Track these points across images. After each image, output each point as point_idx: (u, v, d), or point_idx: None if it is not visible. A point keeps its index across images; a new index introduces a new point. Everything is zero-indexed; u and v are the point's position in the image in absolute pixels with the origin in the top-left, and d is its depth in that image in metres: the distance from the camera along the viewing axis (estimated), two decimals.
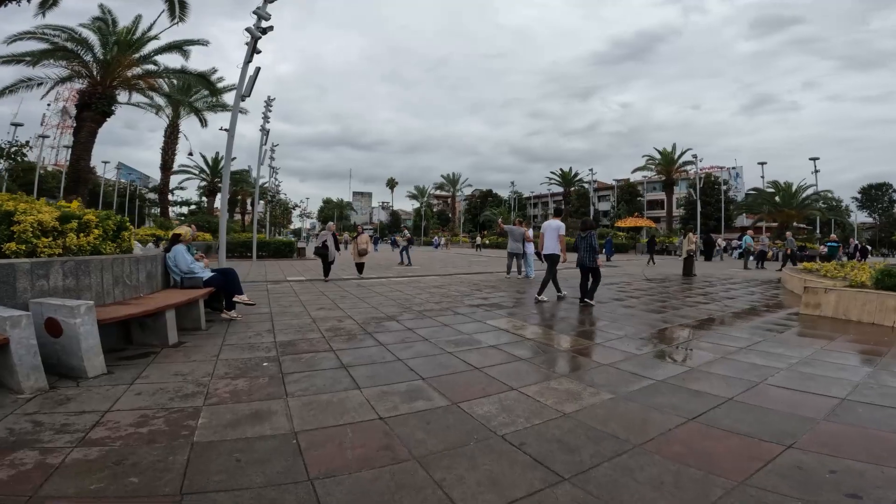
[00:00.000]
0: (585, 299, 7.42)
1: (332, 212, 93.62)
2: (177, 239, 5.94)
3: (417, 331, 5.37)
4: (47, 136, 34.91)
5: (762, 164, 40.81)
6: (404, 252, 17.96)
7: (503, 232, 13.17)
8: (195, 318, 5.26)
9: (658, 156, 43.73)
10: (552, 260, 8.11)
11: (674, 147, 43.31)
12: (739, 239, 25.73)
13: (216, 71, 24.83)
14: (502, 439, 2.49)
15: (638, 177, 62.93)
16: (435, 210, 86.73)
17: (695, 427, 2.67)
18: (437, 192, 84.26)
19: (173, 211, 46.36)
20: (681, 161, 43.04)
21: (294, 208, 52.25)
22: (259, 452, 2.29)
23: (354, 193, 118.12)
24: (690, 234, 13.71)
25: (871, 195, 54.34)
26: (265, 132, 20.58)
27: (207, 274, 5.82)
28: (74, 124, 13.46)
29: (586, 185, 61.79)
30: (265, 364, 3.98)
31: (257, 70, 10.82)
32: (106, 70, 13.52)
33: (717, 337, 5.26)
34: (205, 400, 3.03)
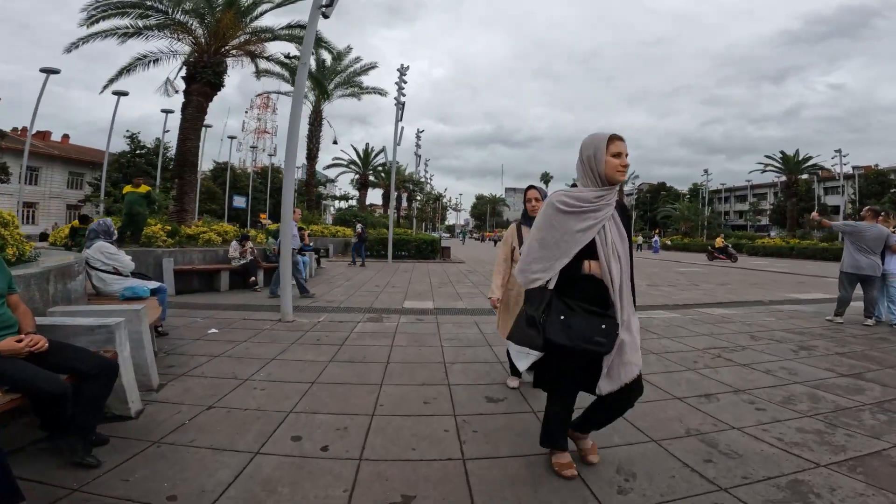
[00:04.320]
0: None
1: (485, 208, 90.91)
2: None
3: None
4: (234, 137, 37.94)
5: None
6: (356, 251, 14.96)
7: (827, 229, 6.47)
8: None
9: None
10: None
11: None
12: None
13: (350, 50, 22.44)
14: None
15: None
16: None
17: None
18: None
19: (334, 206, 48.11)
20: None
21: (438, 199, 49.65)
22: None
23: (507, 189, 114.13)
24: None
25: None
26: (400, 105, 16.91)
27: None
28: (183, 99, 11.16)
29: (808, 175, 46.05)
30: None
31: None
32: (211, 34, 11.02)
33: None
34: None
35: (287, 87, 21.88)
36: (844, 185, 36.69)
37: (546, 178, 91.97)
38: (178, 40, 11.28)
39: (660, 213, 55.96)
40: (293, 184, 5.58)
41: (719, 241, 24.30)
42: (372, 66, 23.21)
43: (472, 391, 3.17)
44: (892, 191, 44.82)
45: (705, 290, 9.64)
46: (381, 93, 23.08)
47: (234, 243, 8.30)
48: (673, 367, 3.82)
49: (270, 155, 52.71)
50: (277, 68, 18.55)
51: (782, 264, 19.49)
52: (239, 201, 42.44)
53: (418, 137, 27.46)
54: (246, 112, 66.08)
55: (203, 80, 10.65)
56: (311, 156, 22.77)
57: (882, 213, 5.95)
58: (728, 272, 14.90)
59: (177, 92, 11.68)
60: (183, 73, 10.88)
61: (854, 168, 50.93)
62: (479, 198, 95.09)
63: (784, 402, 3.08)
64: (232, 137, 38.14)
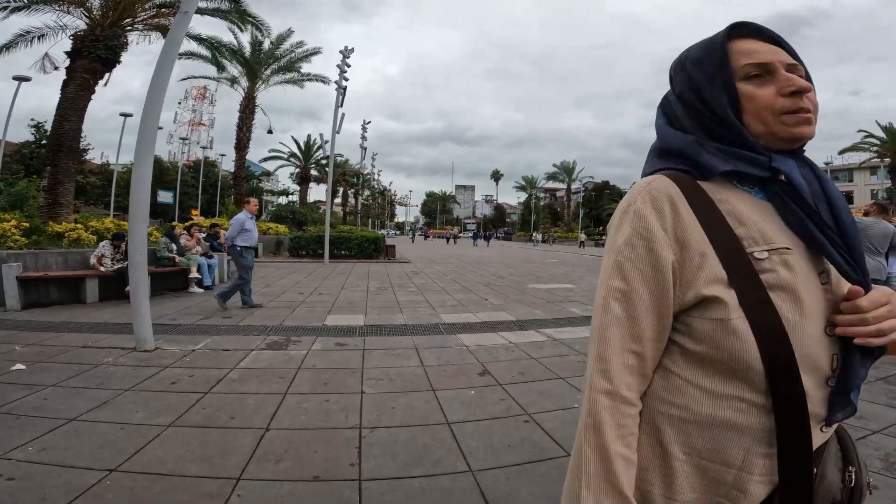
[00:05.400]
0: None
1: (436, 205, 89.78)
2: None
3: None
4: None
5: None
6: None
7: None
8: None
9: (881, 133, 30.78)
10: None
11: None
12: None
13: (291, 33, 20.31)
14: None
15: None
16: (543, 204, 78.47)
17: None
18: (548, 185, 76.05)
19: (273, 202, 45.02)
20: None
21: (382, 193, 47.92)
22: None
23: (457, 186, 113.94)
24: None
25: None
26: (341, 90, 15.25)
27: None
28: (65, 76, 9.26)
29: None
30: None
31: None
32: (109, 6, 9.10)
33: None
34: None
35: (214, 72, 19.37)
36: None
37: (497, 175, 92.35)
38: (67, 13, 9.38)
39: (605, 211, 57.59)
40: (150, 170, 3.95)
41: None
42: (315, 52, 21.12)
43: (397, 495, 1.82)
44: None
45: None
46: (324, 80, 21.07)
47: (104, 243, 6.41)
48: None
49: (204, 147, 48.59)
50: (203, 50, 16.23)
51: None
52: (165, 196, 38.31)
53: (364, 129, 25.77)
54: (179, 103, 60.80)
55: (91, 56, 8.78)
56: (241, 146, 20.33)
57: (886, 208, 5.24)
58: None
59: (56, 69, 9.80)
60: (67, 47, 8.99)
61: None
62: (430, 195, 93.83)
63: (887, 467, 2.03)
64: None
